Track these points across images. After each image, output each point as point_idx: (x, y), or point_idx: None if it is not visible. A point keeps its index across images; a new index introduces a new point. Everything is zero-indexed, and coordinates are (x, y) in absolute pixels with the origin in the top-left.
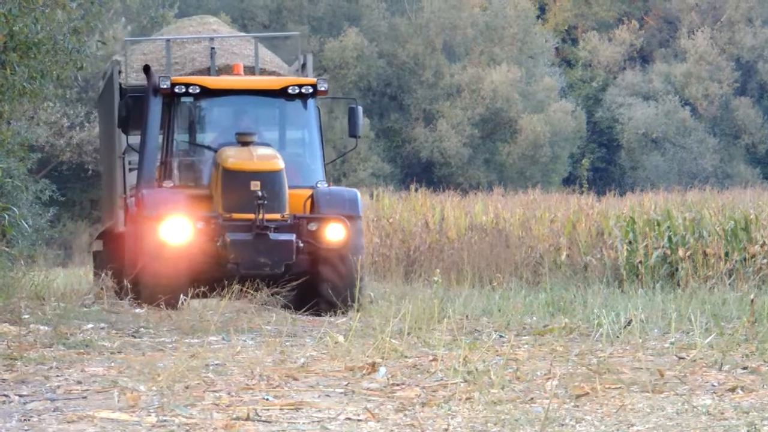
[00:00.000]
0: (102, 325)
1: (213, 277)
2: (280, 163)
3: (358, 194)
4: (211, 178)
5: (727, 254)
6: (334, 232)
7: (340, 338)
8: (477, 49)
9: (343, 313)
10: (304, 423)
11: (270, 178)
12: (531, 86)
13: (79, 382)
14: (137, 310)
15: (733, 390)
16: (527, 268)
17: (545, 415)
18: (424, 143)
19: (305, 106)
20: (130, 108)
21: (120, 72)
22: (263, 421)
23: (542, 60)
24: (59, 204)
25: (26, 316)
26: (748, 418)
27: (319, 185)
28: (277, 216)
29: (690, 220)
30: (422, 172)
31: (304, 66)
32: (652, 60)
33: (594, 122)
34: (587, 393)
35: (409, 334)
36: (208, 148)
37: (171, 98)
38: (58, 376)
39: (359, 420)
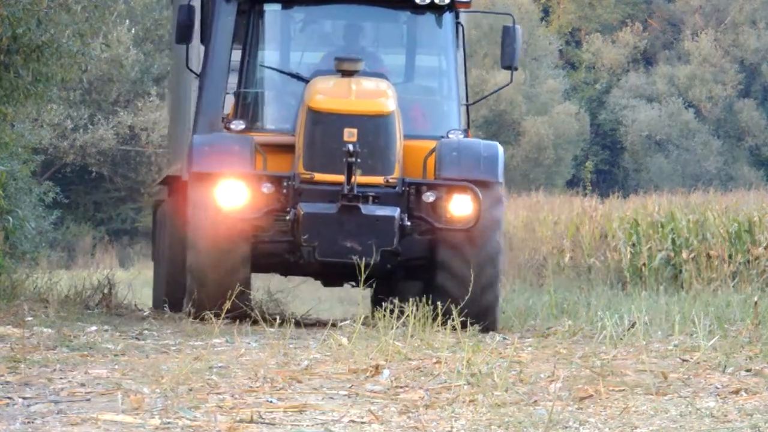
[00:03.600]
0: (106, 327)
1: (282, 263)
2: (388, 104)
3: (500, 149)
4: (298, 121)
5: (730, 256)
6: (458, 206)
7: (344, 341)
8: (480, 51)
9: (476, 327)
10: (307, 425)
11: (372, 126)
12: (535, 88)
13: (83, 385)
14: (141, 312)
15: (736, 392)
16: (531, 270)
17: (549, 417)
18: None
19: (440, 22)
20: (194, 14)
21: None
22: (267, 424)
23: (546, 62)
24: (63, 206)
25: (29, 319)
26: (751, 421)
27: (451, 135)
28: (379, 180)
29: (693, 222)
30: None
31: None
32: (656, 62)
33: (597, 124)
34: (591, 395)
35: (412, 336)
36: (298, 77)
37: (250, 4)
38: (61, 378)
39: (363, 422)
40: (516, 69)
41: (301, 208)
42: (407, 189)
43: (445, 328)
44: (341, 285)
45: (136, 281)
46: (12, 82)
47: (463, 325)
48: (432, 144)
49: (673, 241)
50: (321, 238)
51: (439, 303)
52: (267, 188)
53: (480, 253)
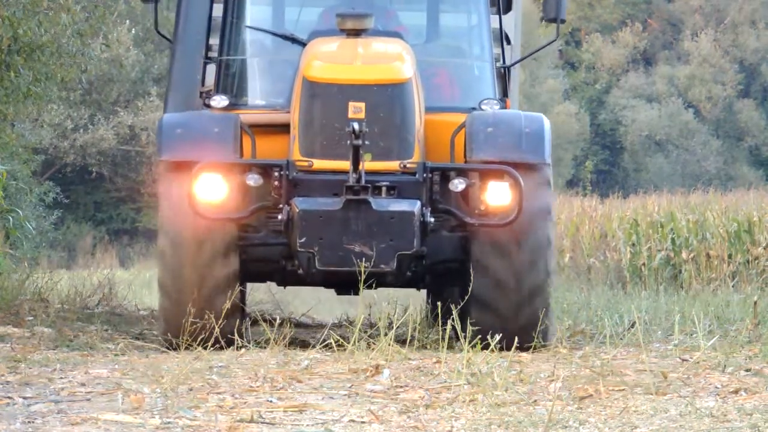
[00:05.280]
0: (105, 327)
1: (277, 272)
2: (404, 70)
3: (546, 122)
4: (293, 95)
5: (730, 256)
6: (495, 195)
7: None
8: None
9: (518, 346)
10: (307, 425)
11: (383, 97)
12: (535, 88)
13: (83, 384)
14: (141, 312)
15: (736, 392)
16: None
17: (549, 417)
18: None
19: None
20: None
21: None
22: (267, 423)
23: (546, 62)
24: (63, 206)
25: (30, 318)
26: (751, 420)
27: (484, 106)
28: (394, 165)
29: (693, 222)
30: None
31: None
32: (656, 62)
33: (597, 124)
34: (591, 395)
35: (413, 336)
36: (293, 39)
37: None
38: (61, 378)
39: (363, 422)
40: (563, 22)
41: (297, 205)
42: (430, 176)
43: (483, 347)
44: (357, 293)
45: (136, 281)
46: (12, 82)
47: (506, 343)
48: (461, 118)
49: (673, 241)
50: (322, 242)
51: (473, 312)
52: (255, 180)
53: (524, 253)
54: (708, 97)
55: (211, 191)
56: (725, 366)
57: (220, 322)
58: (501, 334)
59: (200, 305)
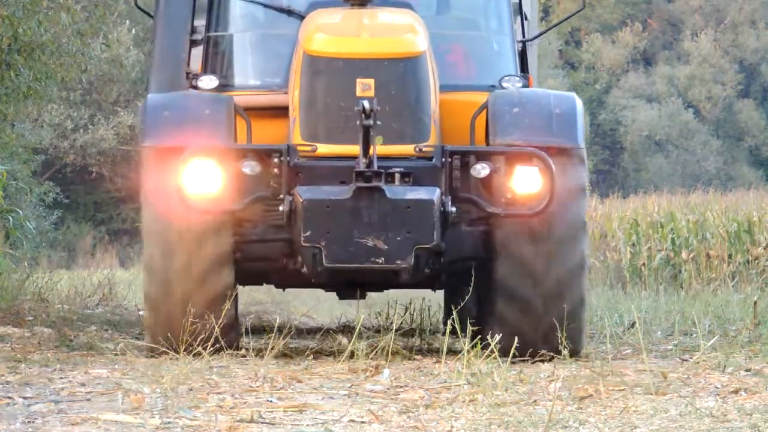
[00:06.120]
0: (105, 327)
1: (276, 272)
2: (417, 42)
3: (578, 102)
4: (292, 72)
5: (730, 256)
6: (523, 182)
7: (344, 340)
8: None
9: (549, 356)
10: (307, 425)
11: (395, 73)
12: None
13: (83, 384)
14: (141, 312)
15: (736, 392)
16: None
17: (549, 417)
18: None
19: None
20: None
21: None
22: (267, 423)
23: (546, 62)
24: (63, 206)
25: (30, 319)
26: (751, 420)
27: (506, 84)
28: (409, 149)
29: (693, 223)
30: None
31: None
32: (656, 62)
33: (597, 124)
34: (591, 395)
35: (412, 336)
36: (291, 12)
37: None
38: (61, 378)
39: (363, 422)
40: None
41: (300, 194)
42: (449, 161)
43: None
44: (364, 297)
45: (136, 281)
46: (12, 82)
47: (529, 352)
48: (482, 97)
49: (673, 241)
50: (329, 236)
51: (497, 313)
52: (251, 168)
53: (555, 250)
54: (708, 97)
55: (202, 180)
56: (725, 366)
57: (212, 337)
58: (528, 332)
59: (194, 317)
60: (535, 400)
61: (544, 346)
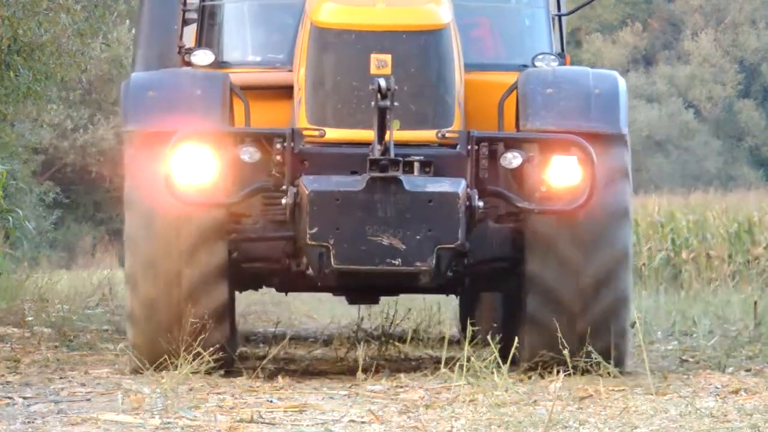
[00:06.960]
0: (105, 327)
1: (277, 274)
2: (440, 14)
3: (621, 81)
4: (297, 47)
5: (730, 256)
6: (559, 173)
7: (345, 340)
8: None
9: (587, 368)
10: (307, 425)
11: (414, 48)
12: None
13: (83, 385)
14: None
15: (736, 392)
16: None
17: (549, 417)
18: None
19: None
20: None
21: None
22: (267, 423)
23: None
24: (63, 206)
25: (30, 319)
26: (751, 420)
27: (539, 63)
28: (430, 135)
29: (693, 223)
30: None
31: None
32: (656, 62)
33: None
34: (591, 395)
35: (413, 337)
36: None
37: None
38: (61, 378)
39: (363, 422)
40: None
41: (306, 185)
42: (475, 148)
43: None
44: (377, 302)
45: None
46: (12, 82)
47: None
48: (511, 78)
49: (673, 241)
50: (339, 233)
51: (532, 318)
52: (250, 154)
53: (595, 249)
54: (708, 97)
55: (193, 169)
56: (725, 366)
57: (206, 358)
58: (564, 335)
59: (174, 320)
60: (535, 400)
61: (580, 354)
